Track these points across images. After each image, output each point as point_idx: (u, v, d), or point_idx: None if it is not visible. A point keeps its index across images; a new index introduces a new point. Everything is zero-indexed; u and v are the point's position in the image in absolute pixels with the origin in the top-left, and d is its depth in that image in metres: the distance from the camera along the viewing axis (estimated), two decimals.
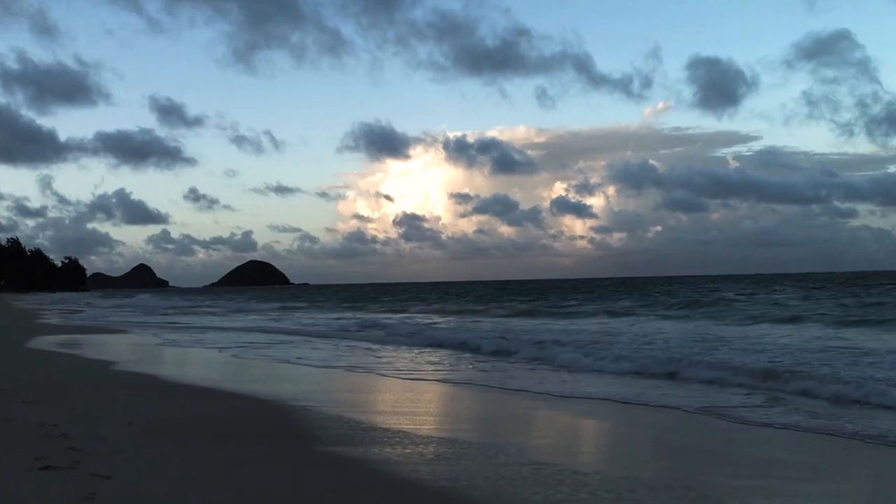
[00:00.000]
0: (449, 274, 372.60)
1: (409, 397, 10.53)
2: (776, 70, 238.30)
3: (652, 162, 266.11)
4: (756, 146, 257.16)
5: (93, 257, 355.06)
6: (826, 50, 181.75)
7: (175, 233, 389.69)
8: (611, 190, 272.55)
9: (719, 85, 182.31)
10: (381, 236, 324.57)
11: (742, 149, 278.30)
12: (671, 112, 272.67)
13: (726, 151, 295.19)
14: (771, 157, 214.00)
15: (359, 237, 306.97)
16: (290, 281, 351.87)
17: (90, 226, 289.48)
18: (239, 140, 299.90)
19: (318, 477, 5.72)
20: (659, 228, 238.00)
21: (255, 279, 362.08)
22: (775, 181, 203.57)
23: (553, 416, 9.03)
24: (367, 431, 7.54)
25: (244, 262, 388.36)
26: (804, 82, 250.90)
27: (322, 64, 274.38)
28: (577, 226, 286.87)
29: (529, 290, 78.64)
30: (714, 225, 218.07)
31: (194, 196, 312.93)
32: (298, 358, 15.87)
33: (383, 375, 13.02)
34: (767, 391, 9.96)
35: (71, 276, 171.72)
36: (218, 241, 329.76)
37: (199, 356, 17.02)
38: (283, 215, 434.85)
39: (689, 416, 8.64)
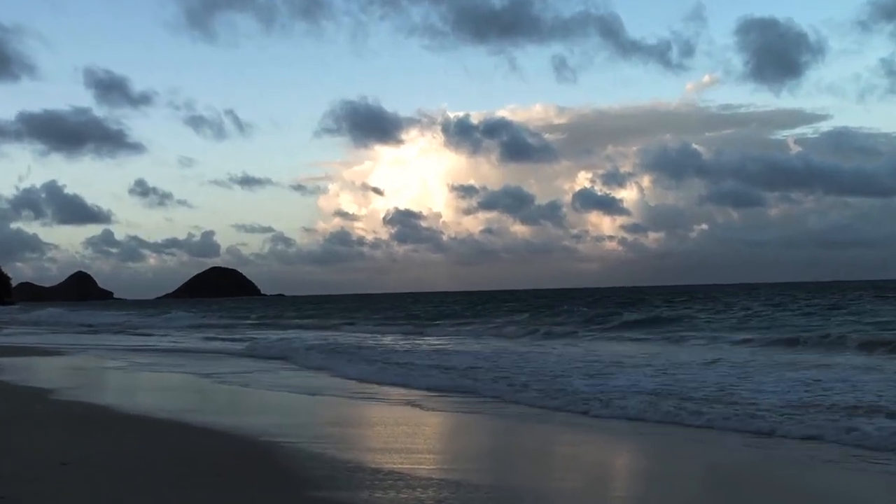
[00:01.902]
0: (452, 282, 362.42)
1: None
2: (848, 33, 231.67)
3: (695, 146, 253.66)
4: (823, 127, 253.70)
5: (19, 264, 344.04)
6: None
7: (119, 234, 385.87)
8: (645, 180, 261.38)
9: (777, 52, 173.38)
10: (369, 237, 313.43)
11: (806, 130, 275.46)
12: (718, 86, 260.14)
13: (787, 133, 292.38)
14: (842, 140, 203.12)
15: (343, 238, 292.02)
16: (261, 291, 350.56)
17: (14, 226, 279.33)
18: (196, 122, 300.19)
19: None
20: (704, 227, 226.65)
21: (218, 289, 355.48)
22: (848, 169, 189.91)
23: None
24: (353, 472, 8.04)
25: (205, 268, 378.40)
26: (883, 48, 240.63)
27: (295, 30, 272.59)
28: (604, 224, 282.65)
29: (536, 301, 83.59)
30: (772, 222, 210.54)
31: (142, 190, 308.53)
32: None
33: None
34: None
35: None
36: (172, 243, 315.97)
37: (152, 381, 18.28)
38: (250, 213, 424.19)
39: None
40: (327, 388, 16.44)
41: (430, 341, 32.17)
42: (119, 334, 44.85)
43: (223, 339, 37.18)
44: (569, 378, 16.32)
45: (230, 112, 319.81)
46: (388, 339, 34.16)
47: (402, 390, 15.82)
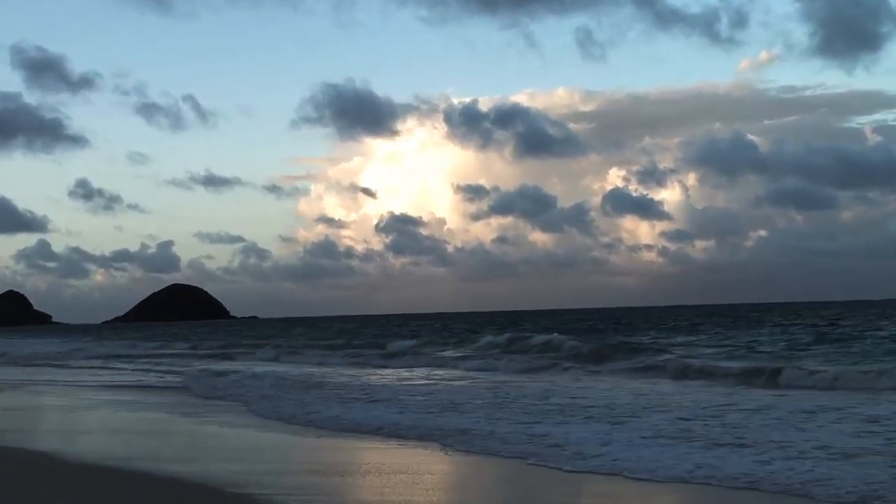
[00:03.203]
0: (458, 300, 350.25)
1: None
2: None
3: (751, 137, 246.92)
4: None
5: None
6: None
7: (58, 245, 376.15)
8: (690, 178, 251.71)
9: (850, 22, 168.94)
10: (359, 248, 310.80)
11: (887, 116, 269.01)
12: (779, 64, 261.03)
13: (863, 120, 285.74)
14: None
15: (328, 249, 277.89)
16: (231, 313, 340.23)
17: None
18: (148, 110, 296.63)
19: None
20: (762, 233, 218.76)
21: (179, 311, 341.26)
22: None
23: None
24: None
25: (162, 286, 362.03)
26: None
27: None
28: (641, 230, 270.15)
29: (564, 321, 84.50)
30: (845, 227, 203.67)
31: (85, 192, 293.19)
32: None
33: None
34: None
35: None
36: (122, 256, 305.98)
37: (84, 421, 18.95)
38: (216, 219, 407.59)
39: None
40: (294, 427, 16.92)
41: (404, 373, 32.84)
42: (29, 367, 44.92)
43: (141, 371, 38.20)
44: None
45: (190, 98, 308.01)
46: (346, 372, 34.76)
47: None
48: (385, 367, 37.47)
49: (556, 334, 43.60)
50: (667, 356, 31.82)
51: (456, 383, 25.99)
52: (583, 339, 41.87)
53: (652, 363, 29.81)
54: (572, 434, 14.34)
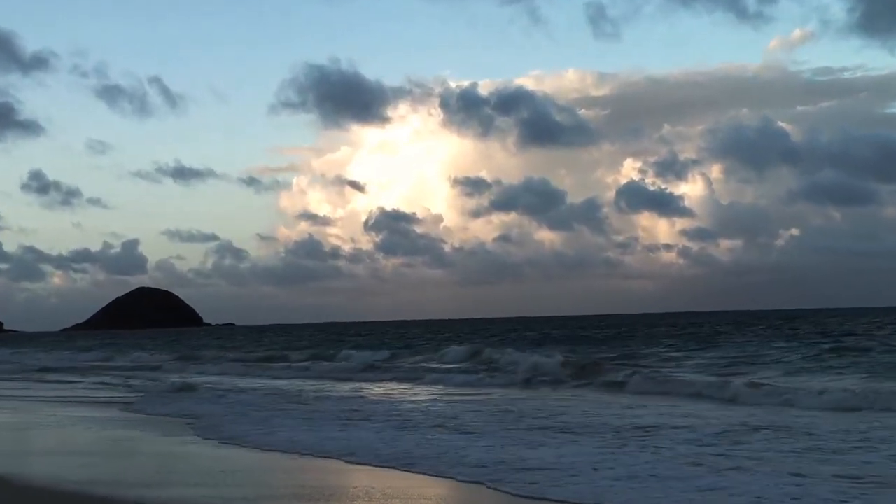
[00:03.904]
0: (457, 306, 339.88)
1: None
2: None
3: (782, 124, 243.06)
4: None
5: None
6: None
7: (10, 244, 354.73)
8: (714, 170, 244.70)
9: None
10: (346, 247, 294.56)
11: None
12: (813, 43, 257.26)
13: None
14: None
15: (312, 249, 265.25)
16: (204, 320, 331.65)
17: None
18: (110, 93, 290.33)
19: None
20: (795, 232, 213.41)
21: (146, 318, 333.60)
22: None
23: None
24: None
25: (128, 290, 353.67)
26: None
27: None
28: (660, 228, 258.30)
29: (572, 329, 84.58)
30: (888, 225, 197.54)
31: (39, 185, 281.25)
32: None
33: None
34: None
35: None
36: (82, 256, 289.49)
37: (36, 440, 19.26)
38: (187, 215, 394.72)
39: None
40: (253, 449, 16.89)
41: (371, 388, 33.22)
42: None
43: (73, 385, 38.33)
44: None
45: (156, 81, 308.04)
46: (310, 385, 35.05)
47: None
48: (350, 379, 38.46)
49: (510, 349, 43.65)
50: (631, 371, 31.96)
51: (407, 402, 26.28)
52: (569, 352, 41.36)
53: (611, 379, 30.76)
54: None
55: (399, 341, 77.67)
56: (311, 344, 77.63)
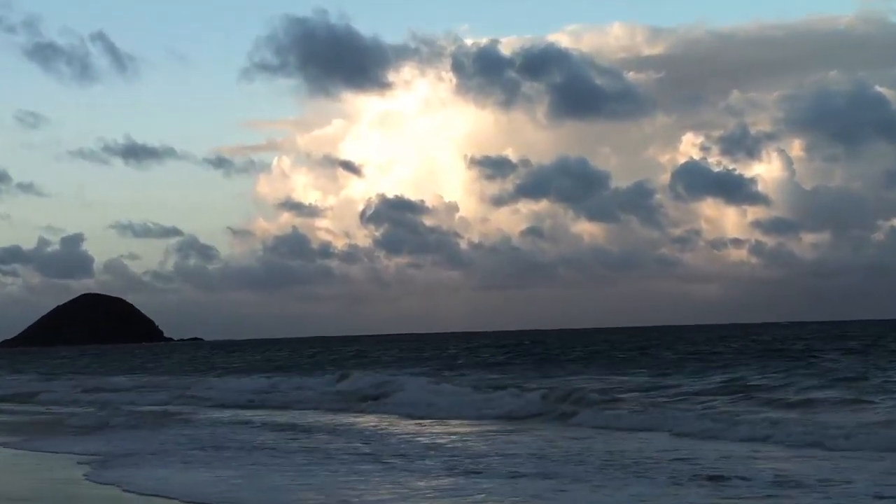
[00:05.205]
0: (477, 315, 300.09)
1: None
2: None
3: (880, 90, 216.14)
4: None
5: None
6: None
7: None
8: (795, 147, 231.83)
9: None
10: (339, 244, 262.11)
11: None
12: None
13: None
14: None
15: (296, 246, 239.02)
16: (165, 334, 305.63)
17: None
18: (44, 53, 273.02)
19: None
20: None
21: (94, 331, 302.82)
22: None
23: None
24: None
25: (70, 297, 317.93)
26: None
27: None
28: (727, 219, 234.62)
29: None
30: None
31: None
32: None
33: None
34: None
35: None
36: (12, 255, 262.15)
37: None
38: (142, 204, 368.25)
39: None
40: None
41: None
42: None
43: None
44: None
45: (101, 38, 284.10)
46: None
47: None
48: (252, 404, 37.96)
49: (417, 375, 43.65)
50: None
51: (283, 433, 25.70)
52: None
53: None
54: None
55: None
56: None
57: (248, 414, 32.99)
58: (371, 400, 34.29)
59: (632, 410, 26.06)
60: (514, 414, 28.23)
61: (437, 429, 25.70)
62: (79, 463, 19.97)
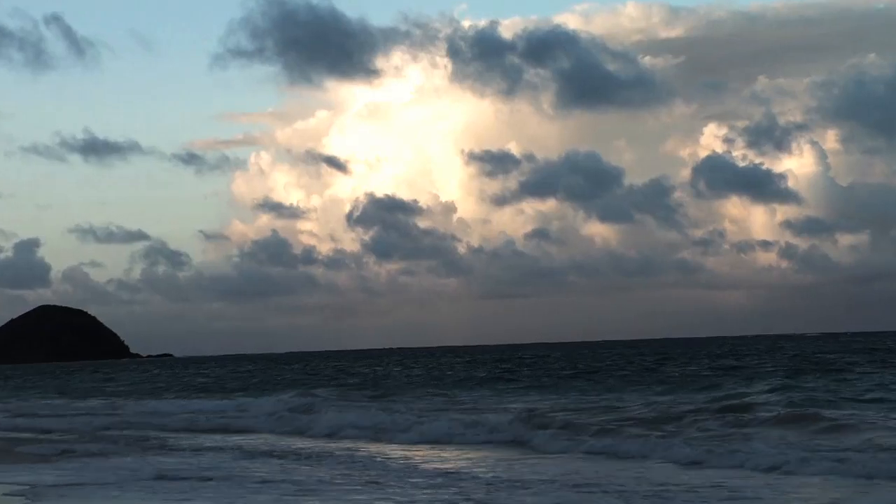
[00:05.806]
0: (477, 327, 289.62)
1: None
2: None
3: None
4: None
5: None
6: None
7: None
8: (829, 138, 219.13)
9: None
10: (324, 248, 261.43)
11: None
12: None
13: None
14: None
15: (277, 251, 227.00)
16: (132, 349, 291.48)
17: None
18: None
19: None
20: None
21: (51, 348, 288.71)
22: None
23: None
24: None
25: (24, 309, 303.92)
26: None
27: None
28: (755, 219, 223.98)
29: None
30: None
31: None
32: None
33: None
34: None
35: None
36: None
37: None
38: (104, 206, 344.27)
39: None
40: None
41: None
42: None
43: None
44: None
45: (56, 20, 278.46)
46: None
47: None
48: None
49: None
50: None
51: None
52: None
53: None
54: None
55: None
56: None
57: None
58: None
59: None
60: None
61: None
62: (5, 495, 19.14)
